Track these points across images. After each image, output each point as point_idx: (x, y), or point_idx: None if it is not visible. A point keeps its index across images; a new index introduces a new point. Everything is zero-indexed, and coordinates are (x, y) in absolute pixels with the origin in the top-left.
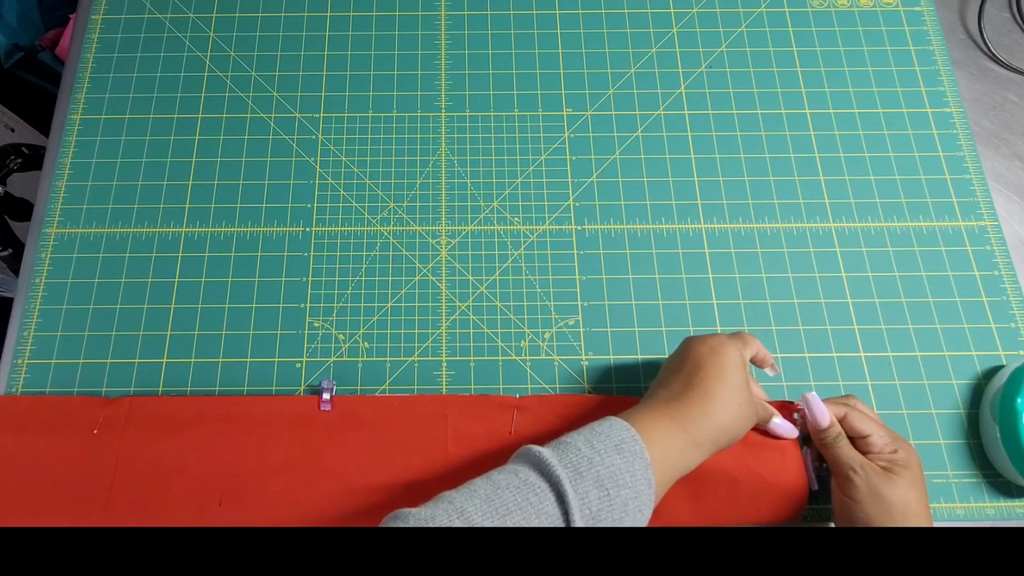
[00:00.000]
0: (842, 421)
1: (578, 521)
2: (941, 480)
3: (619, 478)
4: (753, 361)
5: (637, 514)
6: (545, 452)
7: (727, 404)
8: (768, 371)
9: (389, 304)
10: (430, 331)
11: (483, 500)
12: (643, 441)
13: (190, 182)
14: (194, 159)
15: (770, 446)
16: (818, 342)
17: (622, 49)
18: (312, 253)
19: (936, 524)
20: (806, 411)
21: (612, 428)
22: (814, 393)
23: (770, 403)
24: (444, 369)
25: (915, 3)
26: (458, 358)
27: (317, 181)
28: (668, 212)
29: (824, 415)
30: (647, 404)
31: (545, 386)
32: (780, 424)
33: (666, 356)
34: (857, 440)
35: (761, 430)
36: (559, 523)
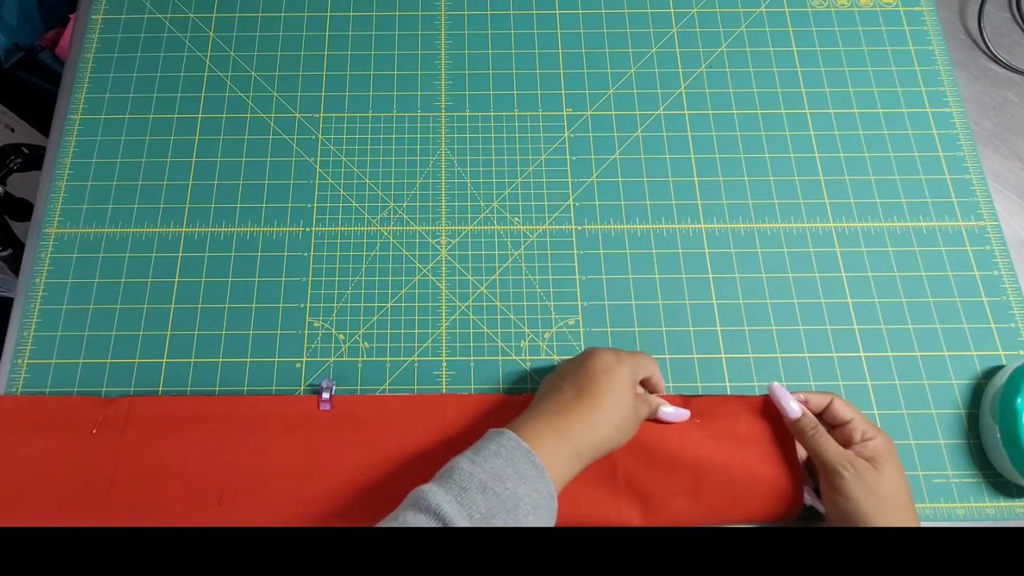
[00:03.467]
0: (827, 408)
1: None
2: (941, 480)
3: (502, 474)
4: (646, 383)
5: (533, 494)
6: (426, 487)
7: (611, 417)
8: (662, 411)
9: (389, 304)
10: (430, 331)
11: None
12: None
13: (190, 182)
14: (194, 159)
15: (764, 440)
16: (818, 342)
17: (622, 49)
18: (312, 253)
19: (936, 524)
20: (776, 404)
21: (491, 440)
22: (779, 384)
23: (751, 398)
24: (444, 369)
25: (915, 3)
26: (458, 358)
27: (317, 181)
28: (668, 212)
29: (793, 406)
30: (534, 415)
31: None
32: (670, 413)
33: (666, 356)
34: (838, 428)
35: (663, 421)
36: None
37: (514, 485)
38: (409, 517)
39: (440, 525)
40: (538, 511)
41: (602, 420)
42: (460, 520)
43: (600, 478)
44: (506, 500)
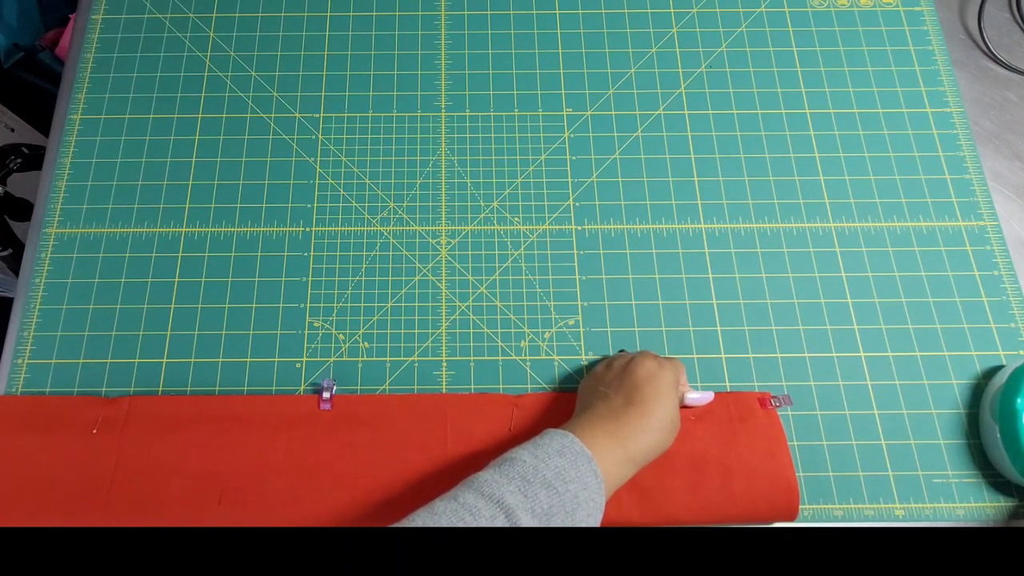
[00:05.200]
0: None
1: (527, 523)
2: (941, 480)
3: (565, 475)
4: None
5: (589, 503)
6: (484, 474)
7: (661, 422)
8: (688, 397)
9: (389, 304)
10: (430, 331)
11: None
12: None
13: (190, 182)
14: (194, 159)
15: (759, 437)
16: (818, 342)
17: (622, 49)
18: (312, 253)
19: (936, 524)
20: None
21: (552, 438)
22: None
23: (746, 395)
24: (444, 369)
25: (915, 3)
26: (458, 358)
27: (317, 181)
28: (668, 212)
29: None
30: (587, 418)
31: (545, 386)
32: (695, 398)
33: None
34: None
35: (689, 408)
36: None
37: (576, 488)
38: (469, 499)
39: (501, 513)
40: (590, 521)
41: (654, 426)
42: (522, 512)
43: None
44: (567, 501)
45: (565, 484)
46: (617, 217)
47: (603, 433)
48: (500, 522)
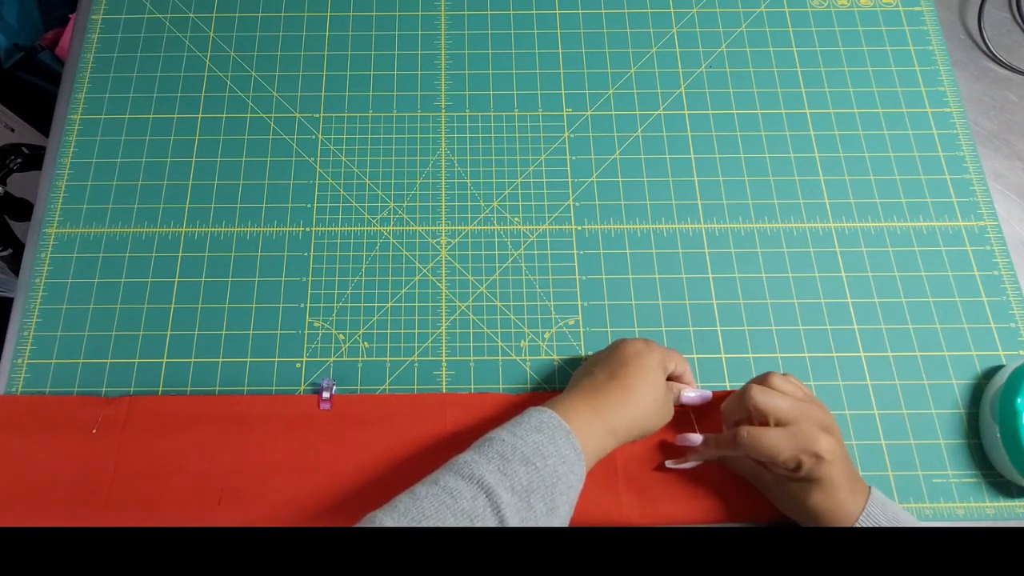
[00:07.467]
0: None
1: (508, 500)
2: (941, 480)
3: (544, 450)
4: (674, 375)
5: (569, 475)
6: (464, 455)
7: (643, 398)
8: (684, 395)
9: (389, 304)
10: (430, 331)
11: (400, 514)
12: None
13: (190, 182)
14: (194, 159)
15: None
16: (818, 342)
17: (622, 49)
18: (312, 253)
19: (936, 524)
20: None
21: (531, 415)
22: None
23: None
24: (444, 369)
25: (915, 3)
26: (458, 358)
27: (317, 181)
28: (668, 212)
29: (692, 437)
30: (569, 393)
31: (545, 386)
32: (692, 396)
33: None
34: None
35: (686, 407)
36: (484, 519)
37: (555, 463)
38: (449, 481)
39: (481, 493)
40: (571, 493)
41: (635, 400)
42: (502, 490)
43: (600, 473)
44: (546, 476)
45: (544, 460)
46: (617, 217)
47: (583, 406)
48: (481, 501)
